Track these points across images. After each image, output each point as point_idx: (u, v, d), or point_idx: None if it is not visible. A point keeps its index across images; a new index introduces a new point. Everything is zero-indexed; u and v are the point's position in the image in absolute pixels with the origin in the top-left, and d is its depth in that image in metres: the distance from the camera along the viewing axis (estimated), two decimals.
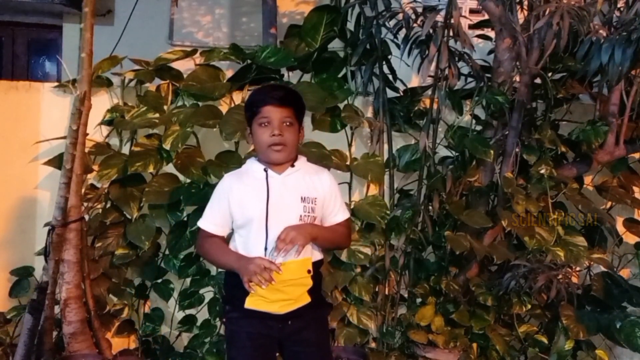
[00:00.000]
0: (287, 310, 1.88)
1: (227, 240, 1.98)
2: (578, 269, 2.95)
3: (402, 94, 3.10)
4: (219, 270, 3.01)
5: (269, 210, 1.86)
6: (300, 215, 1.88)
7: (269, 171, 1.90)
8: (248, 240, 1.89)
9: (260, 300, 1.85)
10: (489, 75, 2.89)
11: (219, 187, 1.96)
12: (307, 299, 1.90)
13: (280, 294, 1.85)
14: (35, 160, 3.05)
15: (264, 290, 1.82)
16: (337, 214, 1.99)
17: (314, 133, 2.91)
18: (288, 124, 1.87)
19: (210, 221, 1.95)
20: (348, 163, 2.97)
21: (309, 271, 1.88)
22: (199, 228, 1.98)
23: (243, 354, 1.93)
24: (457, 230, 2.82)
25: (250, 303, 1.86)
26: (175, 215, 2.94)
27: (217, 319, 2.96)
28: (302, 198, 1.89)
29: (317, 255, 1.95)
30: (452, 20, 2.66)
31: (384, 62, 3.02)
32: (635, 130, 2.86)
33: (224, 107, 2.97)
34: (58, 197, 2.67)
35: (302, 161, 1.97)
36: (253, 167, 1.94)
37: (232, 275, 1.88)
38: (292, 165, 1.93)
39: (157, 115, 2.91)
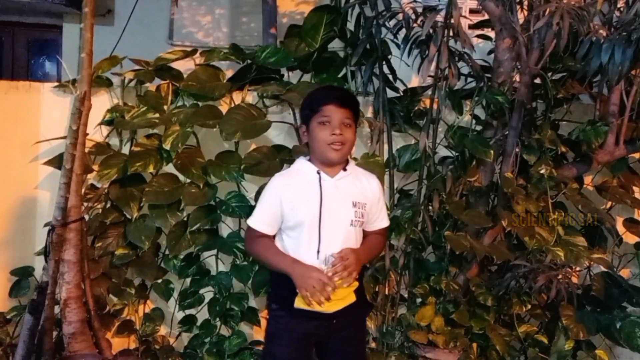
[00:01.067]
0: (335, 309, 1.91)
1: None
2: (578, 269, 2.95)
3: (402, 94, 3.10)
4: (219, 270, 3.02)
5: (322, 214, 1.87)
6: (352, 220, 1.91)
7: (322, 174, 1.92)
8: (299, 242, 1.90)
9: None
10: (489, 75, 2.89)
11: (270, 187, 1.96)
12: (352, 298, 1.95)
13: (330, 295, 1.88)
14: (35, 160, 3.05)
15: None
16: (381, 220, 2.05)
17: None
18: (347, 124, 1.90)
19: (261, 221, 1.95)
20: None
21: (356, 277, 1.93)
22: (248, 227, 1.99)
23: (284, 351, 1.96)
24: (457, 230, 2.82)
25: (299, 303, 1.89)
26: (175, 215, 2.94)
27: (217, 319, 2.96)
28: (353, 203, 1.92)
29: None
30: (452, 20, 2.66)
31: (384, 62, 3.02)
32: (635, 130, 2.86)
33: (224, 107, 2.97)
34: (58, 197, 2.67)
35: (352, 165, 2.01)
36: (304, 168, 1.95)
37: (282, 274, 1.90)
38: (344, 169, 1.95)
39: (157, 115, 2.91)
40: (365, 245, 2.00)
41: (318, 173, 1.91)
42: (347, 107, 1.90)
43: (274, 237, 1.99)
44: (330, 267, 1.85)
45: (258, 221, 1.96)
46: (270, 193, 1.95)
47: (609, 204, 3.09)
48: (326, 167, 1.92)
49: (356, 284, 1.95)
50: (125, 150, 3.01)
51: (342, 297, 1.92)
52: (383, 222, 2.06)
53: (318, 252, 1.88)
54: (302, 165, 1.97)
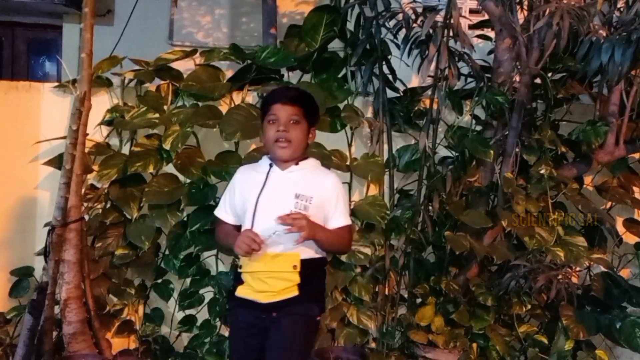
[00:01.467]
0: (270, 300, 1.97)
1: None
2: (578, 269, 2.95)
3: (402, 94, 3.10)
4: (219, 270, 3.02)
5: (259, 202, 1.97)
6: (291, 211, 1.92)
7: (273, 166, 2.02)
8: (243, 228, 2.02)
9: (248, 289, 2.00)
10: (489, 75, 2.89)
11: (233, 178, 2.13)
12: (294, 292, 1.98)
13: (264, 285, 1.97)
14: (35, 160, 3.05)
15: (251, 280, 1.98)
16: (337, 218, 2.03)
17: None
18: (294, 121, 1.97)
19: (222, 209, 2.13)
20: (348, 163, 2.97)
21: (294, 266, 1.95)
22: (214, 217, 2.16)
23: (234, 339, 2.12)
24: (457, 230, 2.82)
25: (240, 291, 2.02)
26: (175, 215, 2.94)
27: (217, 319, 2.96)
28: (296, 194, 1.97)
29: (309, 253, 2.00)
30: (452, 21, 2.66)
31: (383, 62, 3.02)
32: (635, 130, 2.86)
33: (224, 107, 2.97)
34: (58, 197, 2.67)
35: (310, 162, 2.06)
36: (263, 162, 2.08)
37: (235, 269, 2.05)
38: (296, 164, 2.02)
39: (157, 115, 2.91)
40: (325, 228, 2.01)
41: (270, 165, 2.03)
42: (295, 104, 1.98)
43: (239, 228, 2.07)
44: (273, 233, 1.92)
45: (219, 209, 2.14)
46: (231, 183, 2.14)
47: (609, 204, 3.08)
48: (279, 162, 2.02)
49: (295, 278, 1.95)
50: (125, 150, 3.01)
51: (277, 291, 1.96)
52: (339, 220, 2.02)
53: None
54: (263, 160, 2.09)
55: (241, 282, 2.02)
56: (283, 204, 1.95)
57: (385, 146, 3.04)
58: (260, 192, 1.98)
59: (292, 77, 3.17)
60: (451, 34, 2.71)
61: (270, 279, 1.96)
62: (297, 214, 1.89)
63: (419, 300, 2.90)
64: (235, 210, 2.07)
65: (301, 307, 2.01)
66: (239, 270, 2.03)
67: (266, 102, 2.05)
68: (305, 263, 1.97)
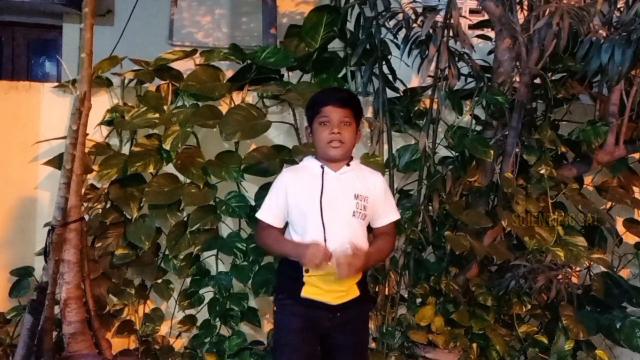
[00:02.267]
0: (340, 301, 2.00)
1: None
2: (578, 269, 2.95)
3: (402, 94, 3.10)
4: (219, 270, 3.02)
5: (322, 204, 1.97)
6: (353, 212, 2.00)
7: (325, 168, 2.03)
8: (304, 233, 2.00)
9: (317, 290, 1.98)
10: (489, 75, 2.88)
11: (278, 180, 2.09)
12: (356, 292, 2.02)
13: (334, 285, 1.97)
14: (35, 161, 3.05)
15: (319, 281, 1.97)
16: (387, 214, 2.12)
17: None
18: (346, 123, 2.00)
19: (268, 212, 2.07)
20: None
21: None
22: (257, 219, 2.11)
23: (292, 336, 2.05)
24: (457, 230, 2.82)
25: (306, 292, 1.99)
26: (175, 215, 2.94)
27: (217, 319, 2.96)
28: (355, 195, 2.01)
29: (366, 248, 2.04)
30: (452, 21, 2.66)
31: (383, 62, 3.02)
32: (635, 130, 2.86)
33: (224, 107, 2.97)
34: (58, 197, 2.67)
35: (356, 162, 2.11)
36: (310, 164, 2.07)
37: (288, 265, 2.01)
38: (348, 165, 2.05)
39: (157, 115, 2.91)
40: (374, 249, 2.07)
41: (322, 167, 2.03)
42: (345, 106, 2.00)
43: (282, 231, 2.08)
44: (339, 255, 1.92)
45: (265, 212, 2.08)
46: (277, 185, 2.08)
47: (609, 204, 3.08)
48: (330, 163, 2.03)
49: (358, 275, 2.01)
50: (125, 150, 3.01)
51: (346, 290, 2.00)
52: (392, 215, 2.13)
53: (325, 240, 1.95)
54: (308, 161, 2.09)
55: (302, 282, 1.99)
56: (345, 206, 1.99)
57: (385, 146, 3.04)
58: (321, 195, 1.98)
59: (292, 77, 3.17)
60: (451, 34, 2.71)
61: (341, 279, 1.95)
62: (360, 255, 1.91)
63: (419, 300, 2.90)
64: (286, 213, 2.05)
65: (363, 307, 2.11)
66: (305, 273, 1.99)
67: (316, 103, 2.04)
68: None
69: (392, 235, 2.16)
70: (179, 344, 3.08)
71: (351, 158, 2.08)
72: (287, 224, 2.09)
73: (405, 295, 2.97)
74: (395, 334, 2.91)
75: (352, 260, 1.90)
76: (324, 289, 1.98)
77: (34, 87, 3.09)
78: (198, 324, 3.01)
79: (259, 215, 2.10)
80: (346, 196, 2.01)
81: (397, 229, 2.22)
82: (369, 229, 2.14)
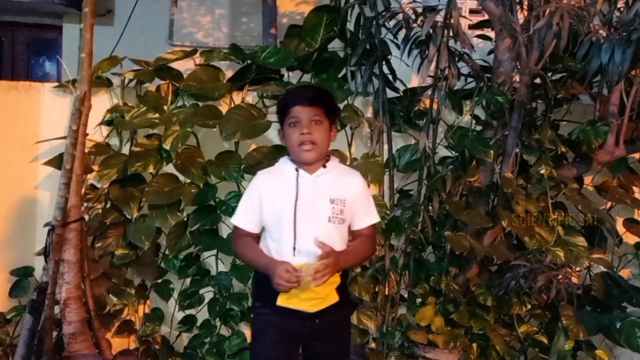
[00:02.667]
0: (317, 309, 1.92)
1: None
2: (578, 269, 2.95)
3: (402, 94, 3.10)
4: (219, 270, 3.03)
5: (297, 210, 1.88)
6: (329, 217, 1.90)
7: (300, 171, 1.93)
8: (280, 240, 1.91)
9: (292, 298, 1.90)
10: (489, 75, 2.88)
11: (252, 184, 2.00)
12: (335, 298, 1.94)
13: (310, 292, 1.89)
14: (35, 160, 3.05)
15: (295, 289, 1.86)
16: (365, 217, 2.00)
17: None
18: (317, 122, 1.89)
19: (243, 217, 1.97)
20: (348, 163, 2.97)
21: (339, 270, 1.91)
22: (233, 226, 2.01)
23: (269, 349, 1.97)
24: (457, 230, 2.82)
25: (282, 301, 1.91)
26: (175, 215, 2.94)
27: (217, 319, 2.96)
28: (331, 199, 1.91)
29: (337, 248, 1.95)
30: (452, 21, 2.66)
31: (383, 62, 3.02)
32: (635, 130, 2.86)
33: (224, 107, 2.97)
34: (58, 197, 2.67)
35: (334, 162, 1.99)
36: (285, 167, 1.97)
37: (264, 274, 1.90)
38: (324, 166, 1.95)
39: (157, 115, 2.91)
40: (350, 249, 1.99)
41: (296, 170, 1.93)
42: (315, 105, 1.90)
43: (258, 237, 2.00)
44: (306, 263, 1.84)
45: (240, 217, 1.98)
46: (252, 191, 1.98)
47: (609, 204, 3.08)
48: (305, 165, 1.93)
49: (337, 280, 1.93)
50: (125, 150, 3.01)
51: (324, 297, 1.92)
52: (370, 218, 2.02)
53: (294, 248, 1.88)
54: (283, 163, 1.99)
55: (275, 290, 1.87)
56: (321, 211, 1.89)
57: (385, 146, 3.04)
58: (296, 200, 1.88)
59: (292, 77, 3.17)
60: (451, 34, 2.71)
61: (318, 287, 1.86)
62: (329, 262, 1.80)
63: (419, 300, 2.90)
64: (261, 218, 1.95)
65: (342, 313, 2.02)
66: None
67: (285, 104, 1.94)
68: None
69: (371, 238, 2.04)
70: (179, 344, 3.07)
71: (328, 158, 1.97)
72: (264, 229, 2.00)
73: (405, 295, 2.97)
74: (395, 334, 2.91)
75: (322, 268, 1.80)
76: (300, 297, 1.89)
77: (34, 87, 3.09)
78: (198, 324, 3.01)
79: (234, 220, 1.99)
80: (322, 201, 1.90)
81: (376, 234, 2.12)
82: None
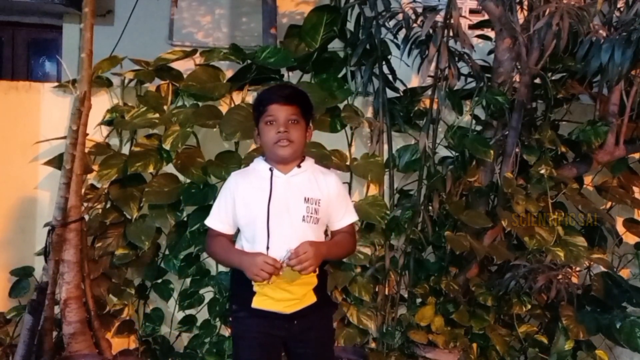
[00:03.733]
0: (293, 310, 1.90)
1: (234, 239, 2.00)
2: (578, 269, 2.95)
3: (402, 94, 3.10)
4: (219, 270, 3.02)
5: (270, 209, 1.87)
6: (303, 216, 1.89)
7: (274, 170, 1.92)
8: (254, 240, 1.90)
9: (267, 299, 1.88)
10: (489, 75, 2.89)
11: (225, 185, 1.98)
12: (312, 299, 1.93)
13: (285, 293, 1.88)
14: (35, 161, 3.05)
15: (269, 290, 1.86)
16: (343, 217, 2.00)
17: (313, 133, 2.91)
18: (294, 121, 1.89)
19: (217, 219, 1.97)
20: (348, 163, 2.97)
21: (314, 270, 1.89)
22: (207, 228, 1.99)
23: (249, 353, 1.95)
24: (457, 230, 2.82)
25: (257, 303, 1.89)
26: (175, 215, 2.94)
27: (217, 319, 2.96)
28: (305, 199, 1.90)
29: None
30: (452, 21, 2.66)
31: (383, 62, 3.02)
32: (635, 130, 2.86)
33: (224, 107, 2.97)
34: (58, 197, 2.68)
35: (309, 162, 1.98)
36: (259, 167, 1.96)
37: (238, 273, 1.90)
38: (299, 166, 1.94)
39: (157, 115, 2.91)
40: (332, 241, 1.99)
41: (270, 170, 1.92)
42: (292, 104, 1.89)
43: (232, 239, 1.99)
44: (285, 259, 1.83)
45: (213, 219, 1.97)
46: (225, 191, 1.97)
47: (609, 204, 3.08)
48: (279, 164, 1.92)
49: (314, 281, 1.91)
50: (125, 150, 3.01)
51: (300, 297, 1.90)
52: (348, 217, 2.01)
53: (267, 248, 1.86)
54: (257, 164, 1.98)
55: (252, 292, 1.89)
56: (294, 210, 1.88)
57: (385, 146, 3.04)
58: (269, 200, 1.87)
59: (292, 77, 3.17)
60: (451, 34, 2.71)
61: (292, 287, 1.88)
62: (304, 252, 1.79)
63: (419, 300, 2.90)
64: (235, 219, 1.94)
65: (322, 313, 2.00)
66: (253, 281, 1.87)
67: (261, 102, 1.92)
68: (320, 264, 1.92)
69: (352, 234, 2.04)
70: (179, 344, 3.08)
71: (303, 158, 1.96)
72: (238, 231, 1.99)
73: (405, 295, 2.97)
74: (395, 334, 2.91)
75: (303, 255, 1.79)
76: (275, 298, 1.87)
77: (34, 87, 3.09)
78: (198, 324, 3.01)
79: (207, 222, 1.98)
80: (296, 200, 1.89)
81: (355, 233, 2.09)
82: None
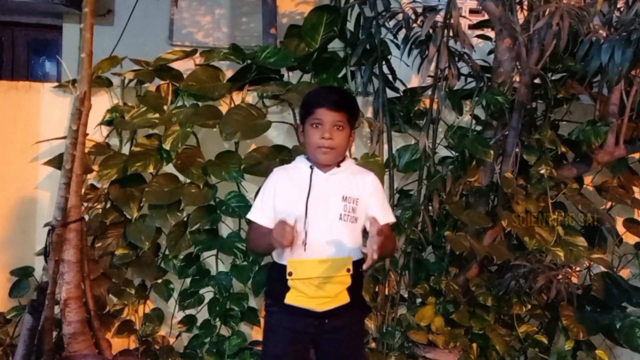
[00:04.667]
0: (325, 308, 1.92)
1: None
2: (578, 269, 2.95)
3: (402, 94, 3.10)
4: (219, 270, 3.03)
5: (308, 207, 1.90)
6: (341, 214, 1.91)
7: (314, 169, 1.95)
8: None
9: (300, 296, 1.91)
10: (489, 75, 2.89)
11: (268, 180, 2.02)
12: (346, 299, 1.94)
13: (319, 291, 1.90)
14: (35, 161, 3.05)
15: (303, 286, 1.89)
16: (385, 215, 1.98)
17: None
18: (339, 127, 1.91)
19: (259, 213, 1.99)
20: None
21: (348, 270, 1.91)
22: (249, 221, 2.03)
23: (279, 348, 1.98)
24: (457, 230, 2.82)
25: (290, 299, 1.92)
26: (175, 215, 2.94)
27: (217, 319, 2.96)
28: (343, 197, 1.92)
29: (358, 255, 1.96)
30: (452, 21, 2.66)
31: (383, 62, 3.02)
32: (635, 130, 2.86)
33: (224, 107, 2.97)
34: (58, 197, 2.67)
35: (348, 162, 2.02)
36: (300, 164, 1.99)
37: (274, 269, 1.95)
38: (338, 165, 1.96)
39: (157, 115, 2.91)
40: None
41: (311, 168, 1.95)
42: (340, 110, 1.90)
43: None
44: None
45: (257, 213, 2.00)
46: (267, 185, 2.00)
47: (609, 204, 3.08)
48: (320, 164, 1.95)
49: (347, 281, 1.92)
50: (125, 150, 3.01)
51: (333, 296, 1.91)
52: (387, 217, 2.00)
53: (305, 244, 1.88)
54: (299, 161, 2.01)
55: (286, 287, 1.90)
56: (332, 208, 1.91)
57: (385, 146, 3.04)
58: (308, 196, 1.90)
59: (292, 77, 3.17)
60: (451, 34, 2.71)
61: (325, 284, 1.88)
62: (378, 238, 1.74)
63: (419, 301, 2.90)
64: (275, 213, 1.95)
65: (354, 314, 2.00)
66: (288, 277, 1.90)
67: (310, 104, 1.93)
68: (354, 264, 1.93)
69: (391, 235, 2.03)
70: (179, 344, 3.07)
71: (343, 158, 1.99)
72: None
73: (405, 295, 2.97)
74: (395, 334, 2.91)
75: (375, 236, 1.74)
76: (308, 295, 1.89)
77: (34, 87, 3.09)
78: (198, 324, 3.01)
79: (250, 215, 2.01)
80: (333, 198, 1.92)
81: (394, 232, 2.12)
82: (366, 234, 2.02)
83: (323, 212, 1.90)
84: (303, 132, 1.97)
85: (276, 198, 1.95)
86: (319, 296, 1.90)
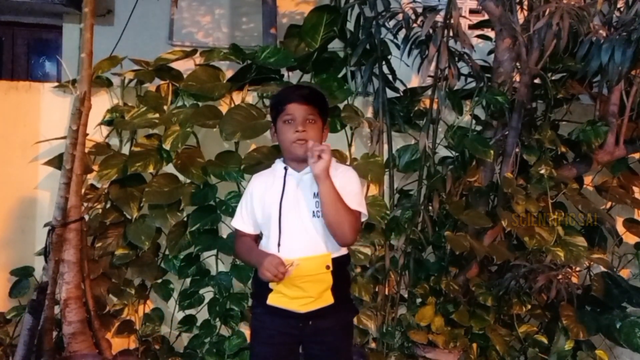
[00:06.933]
0: (308, 309, 1.91)
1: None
2: (578, 269, 2.95)
3: (402, 94, 3.10)
4: (219, 270, 3.03)
5: (282, 206, 1.91)
6: (314, 212, 1.91)
7: (288, 169, 1.96)
8: (268, 237, 1.95)
9: (282, 297, 1.91)
10: (489, 75, 2.89)
11: (247, 186, 2.06)
12: (329, 300, 1.92)
13: (299, 291, 1.89)
14: (35, 161, 3.05)
15: (283, 287, 1.88)
16: (350, 203, 1.89)
17: None
18: (311, 121, 1.92)
19: (239, 219, 2.04)
20: (348, 163, 2.97)
21: (327, 267, 1.90)
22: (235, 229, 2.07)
23: (264, 349, 1.98)
24: (457, 230, 2.82)
25: (272, 300, 1.92)
26: (175, 215, 2.94)
27: (217, 319, 2.96)
28: (315, 194, 1.91)
29: (339, 251, 1.95)
30: (452, 21, 2.66)
31: (383, 62, 3.02)
32: (635, 130, 2.86)
33: (224, 107, 2.97)
34: (58, 197, 2.68)
35: None
36: (276, 167, 2.01)
37: (258, 271, 1.93)
38: None
39: (157, 115, 2.91)
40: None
41: (285, 169, 1.96)
42: (310, 103, 1.92)
43: (257, 238, 2.03)
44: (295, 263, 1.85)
45: (237, 220, 2.05)
46: (246, 192, 2.05)
47: (609, 204, 3.08)
48: (295, 163, 1.95)
49: (328, 279, 1.89)
50: (125, 150, 3.01)
51: (315, 296, 1.89)
52: (356, 206, 1.92)
53: (279, 245, 1.90)
54: (276, 164, 2.03)
55: (268, 288, 1.91)
56: (305, 207, 1.91)
57: (385, 146, 3.04)
58: (281, 197, 1.92)
59: (292, 77, 3.17)
60: (451, 34, 2.71)
61: (305, 284, 1.88)
62: (320, 146, 1.80)
63: (419, 300, 2.90)
64: (255, 218, 1.99)
65: (339, 316, 1.99)
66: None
67: (280, 101, 1.95)
68: (335, 262, 1.92)
69: (355, 216, 1.90)
70: (179, 344, 3.07)
71: None
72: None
73: (405, 295, 2.97)
74: (395, 334, 2.91)
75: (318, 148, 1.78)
76: (289, 295, 1.89)
77: (34, 87, 3.09)
78: (198, 324, 3.01)
79: (233, 223, 2.07)
80: (306, 196, 1.92)
81: (358, 224, 1.95)
82: None
83: (296, 211, 1.91)
84: (276, 132, 1.97)
85: (254, 203, 1.99)
86: (300, 297, 1.89)
